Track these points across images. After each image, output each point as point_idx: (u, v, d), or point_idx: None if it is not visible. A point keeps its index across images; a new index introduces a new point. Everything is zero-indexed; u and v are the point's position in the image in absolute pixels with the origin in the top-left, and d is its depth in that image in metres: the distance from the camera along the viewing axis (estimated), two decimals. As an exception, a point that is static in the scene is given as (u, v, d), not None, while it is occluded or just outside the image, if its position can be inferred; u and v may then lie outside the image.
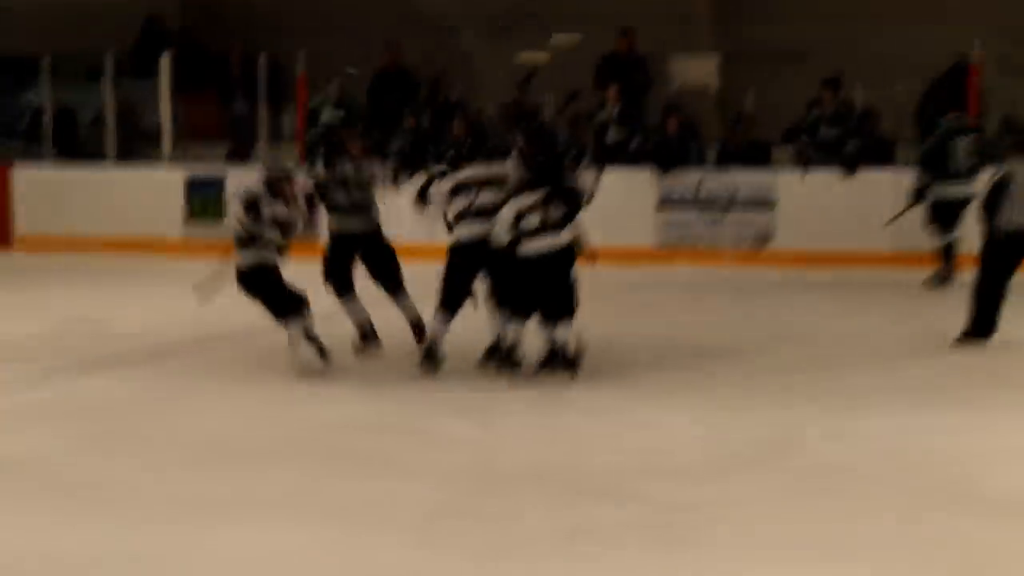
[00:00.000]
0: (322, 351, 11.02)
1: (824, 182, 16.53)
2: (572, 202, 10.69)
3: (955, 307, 13.69)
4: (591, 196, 10.95)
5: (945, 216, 15.32)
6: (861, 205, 16.43)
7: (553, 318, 10.65)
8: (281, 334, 11.20)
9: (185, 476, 8.51)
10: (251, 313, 11.33)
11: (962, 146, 15.39)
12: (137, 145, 20.24)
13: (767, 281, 13.60)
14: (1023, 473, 8.35)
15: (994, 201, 11.71)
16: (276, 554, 7.11)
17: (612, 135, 17.52)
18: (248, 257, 10.85)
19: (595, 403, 10.15)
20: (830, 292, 14.85)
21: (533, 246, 10.52)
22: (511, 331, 10.76)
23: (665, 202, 17.16)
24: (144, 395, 10.66)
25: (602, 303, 14.37)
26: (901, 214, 15.46)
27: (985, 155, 15.03)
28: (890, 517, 7.52)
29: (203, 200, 18.69)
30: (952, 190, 15.27)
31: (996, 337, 12.21)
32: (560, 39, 13.46)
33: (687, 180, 17.02)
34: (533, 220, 10.52)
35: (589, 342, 10.83)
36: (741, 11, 20.02)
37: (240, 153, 19.92)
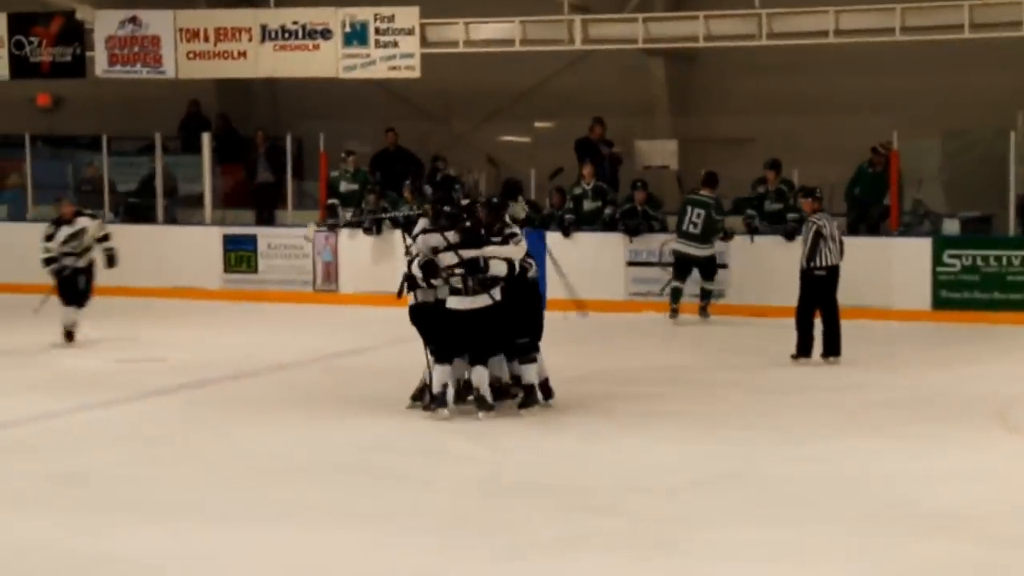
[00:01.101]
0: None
1: (768, 247, 16.55)
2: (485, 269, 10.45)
3: (875, 355, 13.81)
4: (515, 267, 10.59)
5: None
6: (798, 266, 16.44)
7: (480, 361, 10.46)
8: (306, 368, 11.22)
9: (237, 488, 8.49)
10: (284, 351, 11.31)
11: None
12: (176, 208, 20.22)
13: (720, 329, 13.56)
14: (953, 493, 8.34)
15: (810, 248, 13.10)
16: (317, 555, 7.10)
17: (587, 205, 17.56)
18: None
19: (588, 429, 10.14)
20: (774, 338, 14.83)
21: (454, 303, 10.44)
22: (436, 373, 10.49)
23: (633, 262, 17.18)
24: (197, 419, 10.60)
25: (584, 345, 14.44)
26: None
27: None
28: (840, 530, 7.51)
29: (238, 254, 18.68)
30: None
31: (915, 379, 12.39)
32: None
33: (652, 243, 17.03)
34: (455, 281, 10.43)
35: (575, 377, 10.81)
36: (697, 103, 20.14)
37: (266, 217, 19.96)
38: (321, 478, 8.73)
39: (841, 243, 13.32)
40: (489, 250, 10.39)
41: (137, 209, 20.36)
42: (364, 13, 18.49)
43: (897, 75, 18.23)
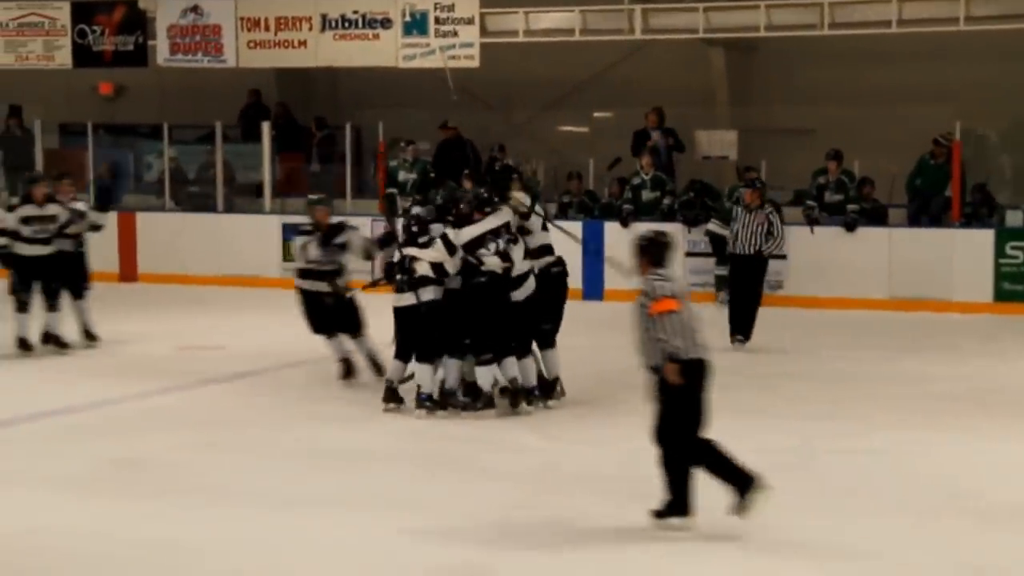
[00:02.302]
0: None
1: (828, 238, 16.46)
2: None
3: (936, 347, 13.71)
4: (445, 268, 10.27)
5: None
6: (859, 258, 16.37)
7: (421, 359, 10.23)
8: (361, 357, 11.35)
9: (291, 474, 8.53)
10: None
11: None
12: (235, 197, 20.33)
13: (780, 320, 13.50)
14: (1016, 486, 8.29)
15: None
16: (371, 541, 7.13)
17: (646, 195, 17.51)
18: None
19: (644, 420, 10.05)
20: (832, 331, 14.76)
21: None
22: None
23: (691, 252, 17.11)
24: (254, 407, 10.65)
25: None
26: None
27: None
28: (902, 522, 7.46)
29: (297, 243, 18.77)
30: None
31: (978, 373, 12.27)
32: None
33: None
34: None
35: (632, 368, 10.72)
36: (757, 94, 20.05)
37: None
38: (375, 465, 8.77)
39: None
40: (410, 251, 10.21)
41: (196, 197, 20.52)
42: (424, 2, 18.54)
43: (960, 65, 18.06)
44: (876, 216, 17.12)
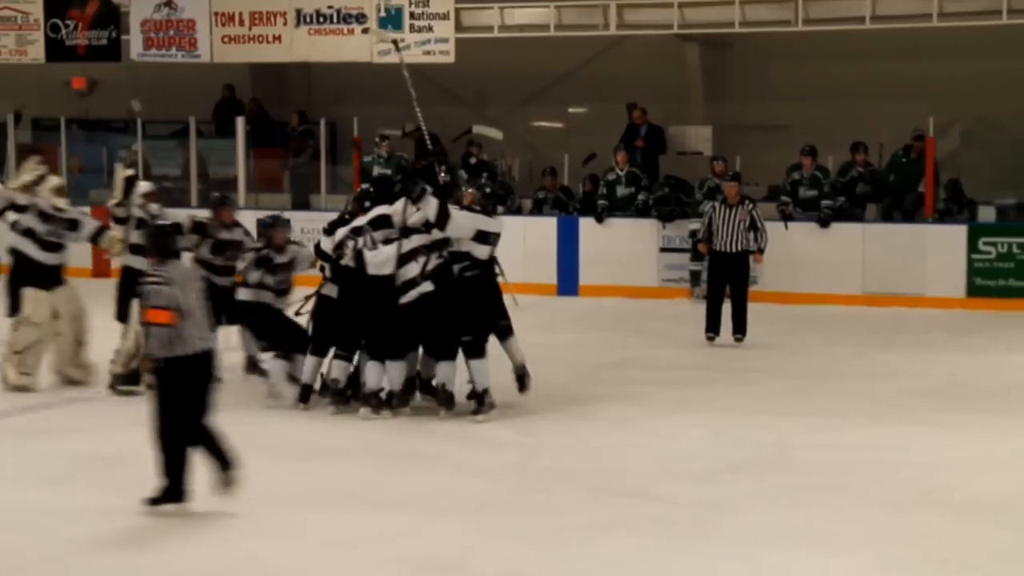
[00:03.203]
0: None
1: (802, 234, 16.52)
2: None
3: (909, 342, 13.80)
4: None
5: None
6: (833, 254, 16.44)
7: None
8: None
9: (265, 470, 8.47)
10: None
11: None
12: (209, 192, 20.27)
13: (754, 316, 13.55)
14: (987, 481, 8.34)
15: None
16: (350, 537, 7.13)
17: (621, 191, 17.54)
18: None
19: (620, 415, 10.15)
20: (806, 326, 14.84)
21: None
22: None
23: (666, 248, 17.17)
24: (232, 403, 10.54)
25: (616, 331, 14.49)
26: None
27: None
28: (874, 516, 7.52)
29: (271, 239, 18.74)
30: None
31: (951, 367, 12.35)
32: (486, 131, 13.43)
33: (685, 229, 17.00)
34: None
35: (608, 363, 10.80)
36: (732, 90, 20.08)
37: (300, 201, 20.00)
38: (350, 461, 8.79)
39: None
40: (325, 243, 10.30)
41: (169, 193, 20.44)
42: (399, -2, 18.56)
43: (934, 61, 18.14)
44: (874, 181, 17.09)
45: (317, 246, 10.43)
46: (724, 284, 13.54)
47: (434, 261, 9.83)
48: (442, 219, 9.73)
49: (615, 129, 18.60)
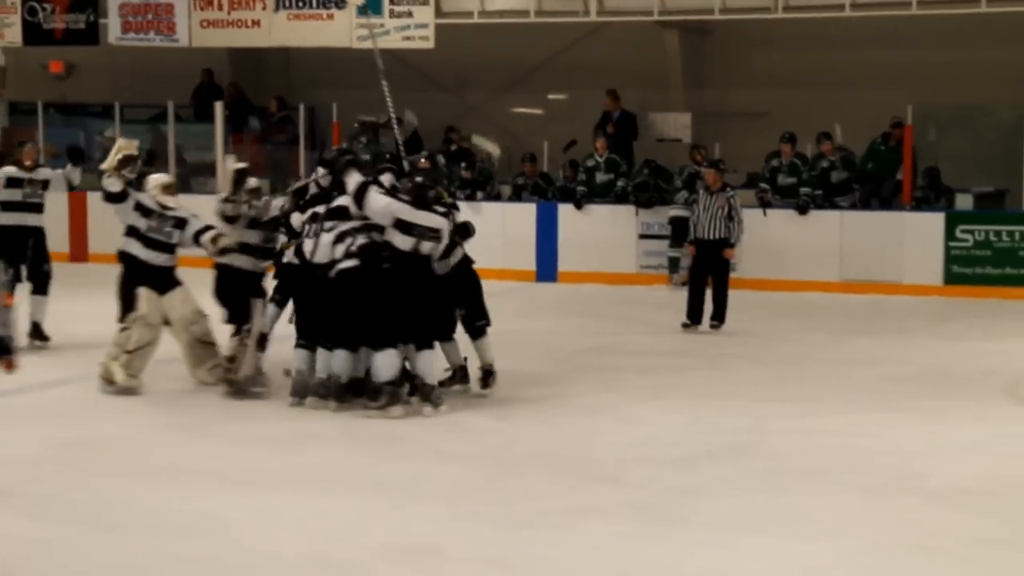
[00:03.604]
0: None
1: (781, 221, 16.54)
2: None
3: (887, 329, 13.82)
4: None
5: None
6: (811, 241, 16.46)
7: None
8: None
9: (250, 455, 8.51)
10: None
11: None
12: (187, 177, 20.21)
13: (733, 302, 13.56)
14: (963, 467, 8.35)
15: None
16: (328, 522, 7.11)
17: (600, 177, 17.54)
18: None
19: (598, 401, 10.14)
20: (784, 313, 14.86)
21: None
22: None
23: (644, 234, 17.18)
24: (211, 387, 10.55)
25: (594, 318, 14.49)
26: None
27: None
28: (849, 502, 7.53)
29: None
30: None
31: (928, 354, 12.39)
32: (484, 143, 13.28)
33: (663, 216, 17.02)
34: None
35: (585, 349, 10.78)
36: (712, 77, 20.07)
37: (279, 186, 19.93)
38: (328, 446, 8.76)
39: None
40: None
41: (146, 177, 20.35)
42: (379, -17, 18.48)
43: (913, 49, 18.14)
44: (850, 166, 17.04)
45: (287, 216, 10.31)
46: (706, 273, 13.50)
47: (360, 240, 9.59)
48: (359, 195, 9.57)
49: (595, 116, 18.57)
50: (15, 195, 12.54)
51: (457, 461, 8.40)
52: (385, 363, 9.44)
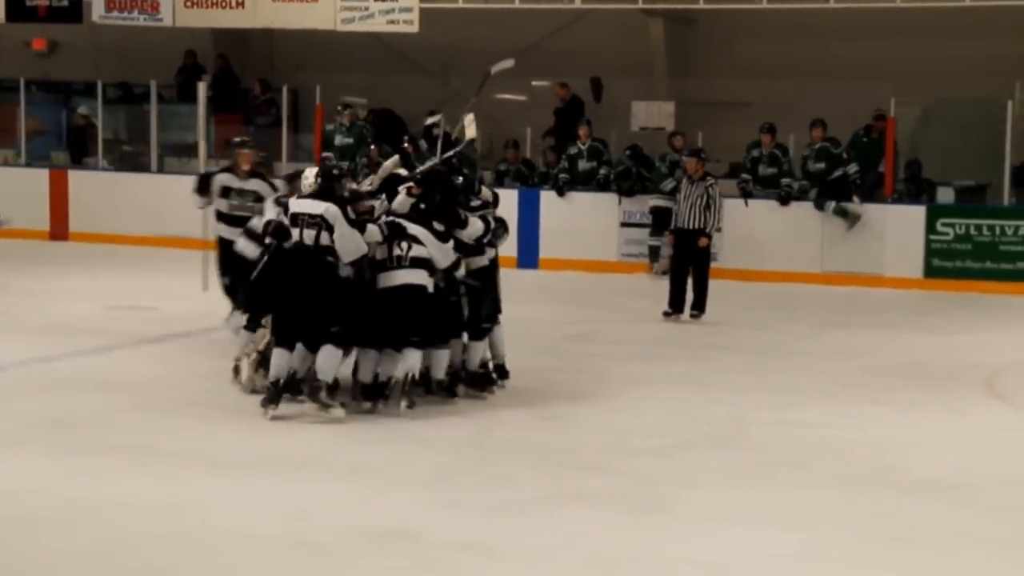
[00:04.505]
0: None
1: (762, 211, 16.54)
2: None
3: (867, 321, 13.84)
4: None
5: None
6: (792, 232, 16.47)
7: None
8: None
9: (225, 437, 8.46)
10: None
11: None
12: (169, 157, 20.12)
13: (713, 293, 13.55)
14: (940, 460, 8.37)
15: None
16: (305, 506, 7.06)
17: (582, 165, 17.51)
18: None
19: (578, 389, 10.12)
20: (765, 304, 14.85)
21: None
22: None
23: (626, 223, 17.17)
24: (187, 368, 10.53)
25: (575, 306, 14.47)
26: None
27: None
28: (827, 494, 7.53)
29: (232, 203, 18.59)
30: None
31: (908, 347, 12.40)
32: (500, 65, 13.07)
33: (645, 204, 17.00)
34: None
35: (566, 337, 10.75)
36: (695, 66, 20.07)
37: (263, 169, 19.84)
38: (309, 430, 8.70)
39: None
40: None
41: (129, 157, 20.28)
42: (364, -35, 18.40)
43: (896, 42, 18.17)
44: (830, 157, 16.94)
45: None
46: (687, 262, 13.47)
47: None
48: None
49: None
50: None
51: (437, 447, 8.37)
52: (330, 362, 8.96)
